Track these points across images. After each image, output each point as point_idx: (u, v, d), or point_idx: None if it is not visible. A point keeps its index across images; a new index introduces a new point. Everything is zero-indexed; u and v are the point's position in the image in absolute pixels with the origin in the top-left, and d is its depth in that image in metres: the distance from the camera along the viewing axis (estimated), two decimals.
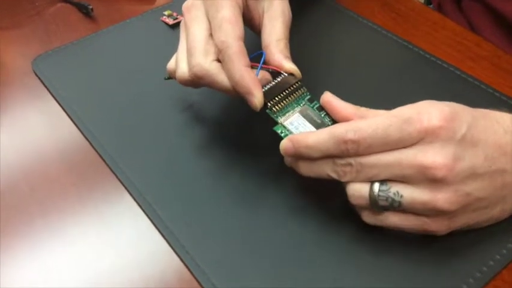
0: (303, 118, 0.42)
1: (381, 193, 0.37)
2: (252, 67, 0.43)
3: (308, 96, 0.44)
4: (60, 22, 0.66)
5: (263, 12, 0.47)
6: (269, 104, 0.42)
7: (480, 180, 0.37)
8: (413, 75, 0.54)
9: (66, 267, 0.42)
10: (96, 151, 0.50)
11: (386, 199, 0.37)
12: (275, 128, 0.42)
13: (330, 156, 0.38)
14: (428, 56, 0.56)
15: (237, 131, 0.51)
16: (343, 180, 0.39)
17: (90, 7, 0.65)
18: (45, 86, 0.57)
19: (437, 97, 0.39)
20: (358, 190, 0.38)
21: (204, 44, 0.44)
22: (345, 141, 0.37)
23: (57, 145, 0.51)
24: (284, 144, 0.40)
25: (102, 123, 0.52)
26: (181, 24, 0.48)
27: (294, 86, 0.44)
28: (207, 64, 0.43)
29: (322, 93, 0.42)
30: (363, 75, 0.55)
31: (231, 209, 0.44)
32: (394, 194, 0.37)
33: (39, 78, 0.58)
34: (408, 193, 0.37)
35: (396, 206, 0.37)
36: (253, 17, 0.47)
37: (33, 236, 0.44)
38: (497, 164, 0.37)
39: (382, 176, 0.37)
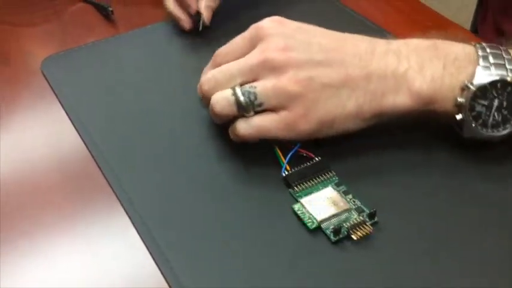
0: (323, 198, 0.41)
1: (240, 91, 0.41)
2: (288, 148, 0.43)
3: (336, 181, 0.43)
4: (78, 23, 0.62)
5: None
6: (295, 188, 0.42)
7: (320, 67, 0.41)
8: None
9: None
10: (98, 164, 0.45)
11: (244, 94, 0.41)
12: (293, 206, 0.41)
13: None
14: None
15: (252, 155, 0.45)
16: (207, 88, 0.43)
17: (111, 9, 0.61)
18: (52, 89, 0.53)
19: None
20: (221, 97, 0.42)
21: None
22: (216, 54, 0.46)
23: (55, 154, 0.47)
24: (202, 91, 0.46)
25: (108, 135, 0.48)
26: None
27: (323, 171, 0.43)
28: None
29: None
30: None
31: (233, 242, 0.39)
32: (250, 87, 0.41)
33: (47, 80, 0.54)
34: (259, 84, 0.41)
35: (254, 100, 0.41)
36: None
37: (16, 255, 0.39)
38: (334, 55, 0.42)
39: (238, 78, 0.42)
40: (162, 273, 0.38)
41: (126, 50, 0.57)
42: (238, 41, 0.44)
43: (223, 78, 0.43)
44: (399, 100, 0.42)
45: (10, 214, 0.42)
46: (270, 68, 0.41)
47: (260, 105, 0.41)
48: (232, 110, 0.42)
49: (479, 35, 0.71)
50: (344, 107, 0.42)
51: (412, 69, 0.42)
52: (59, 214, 0.42)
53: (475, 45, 0.43)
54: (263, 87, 0.41)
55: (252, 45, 0.43)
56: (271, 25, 0.43)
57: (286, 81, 0.41)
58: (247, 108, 0.41)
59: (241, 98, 0.41)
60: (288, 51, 0.41)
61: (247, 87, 0.41)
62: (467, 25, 0.92)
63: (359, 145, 0.45)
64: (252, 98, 0.41)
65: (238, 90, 0.42)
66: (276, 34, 0.42)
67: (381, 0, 0.63)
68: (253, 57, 0.42)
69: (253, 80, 0.42)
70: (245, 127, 0.42)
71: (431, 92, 0.41)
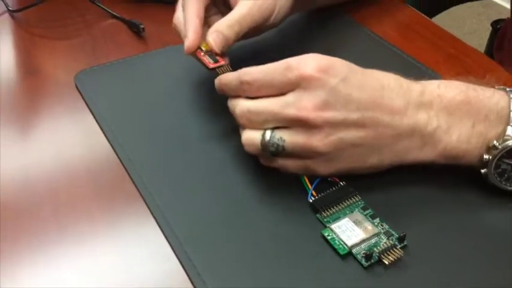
0: (352, 223, 0.42)
1: (269, 140, 0.42)
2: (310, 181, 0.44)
3: (362, 205, 0.43)
4: (108, 38, 0.64)
5: None
6: (322, 213, 0.43)
7: (353, 128, 0.41)
8: None
9: None
10: (130, 176, 0.47)
11: (273, 145, 0.42)
12: (322, 231, 0.42)
13: (238, 96, 0.44)
14: None
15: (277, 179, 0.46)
16: (239, 121, 0.44)
17: (142, 26, 0.63)
18: (85, 102, 0.54)
19: None
20: (251, 138, 0.43)
21: None
22: (242, 82, 0.43)
23: (89, 165, 0.48)
24: (215, 83, 0.46)
25: (140, 148, 0.49)
26: None
27: (349, 195, 0.44)
28: (179, 11, 0.53)
29: None
30: None
31: (261, 265, 0.40)
32: (278, 139, 0.42)
33: (80, 93, 0.55)
34: (289, 137, 0.42)
35: (281, 150, 0.42)
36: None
37: (49, 264, 0.41)
38: (370, 115, 0.41)
39: (271, 123, 0.42)
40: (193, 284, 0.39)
41: (156, 66, 0.59)
42: (277, 77, 0.42)
43: (256, 120, 0.43)
44: (422, 155, 0.43)
45: (45, 221, 0.43)
46: (304, 125, 0.41)
47: (286, 154, 0.43)
48: (260, 153, 0.44)
49: (495, 60, 0.72)
50: (365, 162, 0.43)
51: (440, 129, 0.42)
52: (94, 224, 0.43)
53: (509, 96, 0.43)
54: (292, 143, 0.42)
55: (291, 87, 0.42)
56: (315, 75, 0.41)
57: (316, 142, 0.41)
58: (273, 155, 0.43)
59: (270, 149, 0.42)
60: (326, 111, 0.41)
61: (276, 137, 0.42)
62: (481, 49, 0.94)
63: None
64: (280, 149, 0.42)
65: (267, 137, 0.42)
66: (319, 87, 0.41)
67: (404, 27, 0.65)
68: (289, 110, 0.41)
69: (284, 126, 0.42)
70: (266, 162, 0.45)
71: (456, 152, 0.43)
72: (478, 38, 1.77)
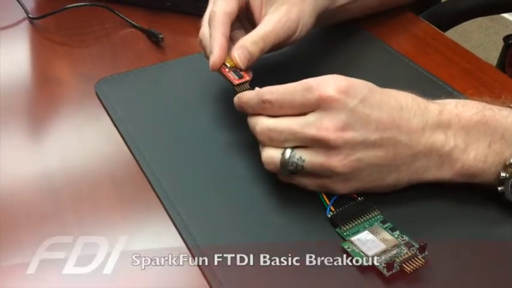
0: (372, 235, 0.42)
1: (289, 159, 0.42)
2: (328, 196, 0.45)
3: (381, 219, 0.44)
4: (128, 47, 0.65)
5: (265, 14, 0.53)
6: (341, 226, 0.43)
7: (371, 148, 0.42)
8: None
9: None
10: (151, 184, 0.47)
11: (292, 164, 0.43)
12: (342, 244, 0.42)
13: (259, 114, 0.45)
14: None
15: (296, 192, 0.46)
16: (260, 139, 0.44)
17: (161, 36, 0.64)
18: (106, 110, 0.55)
19: None
20: (270, 156, 0.44)
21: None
22: (263, 101, 0.44)
23: (110, 172, 0.49)
24: (234, 101, 0.47)
25: (160, 156, 0.50)
26: None
27: (368, 210, 0.44)
28: (204, 28, 0.53)
29: None
30: None
31: (281, 274, 0.41)
32: (298, 159, 0.43)
33: (100, 101, 0.56)
34: (308, 157, 0.42)
35: (300, 170, 0.43)
36: (253, 13, 0.53)
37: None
38: (388, 135, 0.42)
39: (291, 142, 0.43)
40: None
41: (176, 75, 0.60)
42: (297, 97, 0.43)
43: (277, 138, 0.43)
44: (439, 174, 0.44)
45: (67, 227, 0.44)
46: (324, 145, 0.42)
47: (304, 173, 0.43)
48: (279, 171, 0.44)
49: (507, 74, 0.73)
50: (383, 181, 0.44)
51: (457, 148, 0.43)
52: (117, 232, 0.44)
53: None
54: (311, 163, 0.42)
55: (311, 107, 0.42)
56: (335, 96, 0.42)
57: (335, 163, 0.42)
58: (291, 173, 0.44)
59: (289, 167, 0.43)
60: (346, 131, 0.41)
61: (296, 156, 0.43)
62: (490, 63, 0.94)
63: None
64: (299, 168, 0.43)
65: (287, 156, 0.43)
66: (339, 108, 0.42)
67: (420, 42, 0.66)
68: (310, 130, 0.42)
69: (303, 145, 0.43)
70: (284, 178, 0.45)
71: (473, 170, 0.43)
72: (485, 51, 1.78)
